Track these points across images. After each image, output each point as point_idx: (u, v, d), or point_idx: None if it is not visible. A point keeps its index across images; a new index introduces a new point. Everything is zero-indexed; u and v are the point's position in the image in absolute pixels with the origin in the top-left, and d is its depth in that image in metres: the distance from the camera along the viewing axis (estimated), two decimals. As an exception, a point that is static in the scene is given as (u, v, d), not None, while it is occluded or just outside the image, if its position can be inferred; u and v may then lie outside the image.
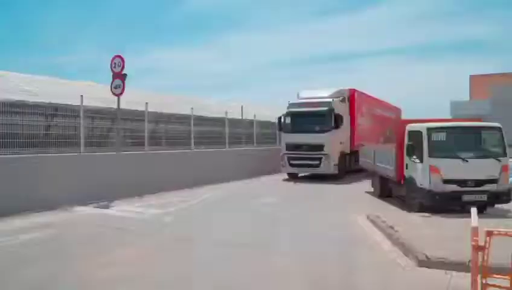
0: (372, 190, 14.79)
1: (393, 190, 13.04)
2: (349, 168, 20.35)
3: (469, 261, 5.28)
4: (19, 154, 11.22)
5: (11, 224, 9.49)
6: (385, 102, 27.56)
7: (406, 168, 11.22)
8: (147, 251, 7.39)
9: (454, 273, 5.98)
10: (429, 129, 10.36)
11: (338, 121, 18.82)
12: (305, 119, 19.30)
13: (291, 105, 20.18)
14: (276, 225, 9.76)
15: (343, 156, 19.79)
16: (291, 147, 19.48)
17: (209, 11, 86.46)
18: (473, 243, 4.57)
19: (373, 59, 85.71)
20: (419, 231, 7.97)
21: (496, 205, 10.46)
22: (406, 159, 11.15)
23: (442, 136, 10.49)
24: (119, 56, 14.10)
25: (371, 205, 12.26)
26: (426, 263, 6.28)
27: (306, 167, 19.42)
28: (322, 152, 18.72)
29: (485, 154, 10.28)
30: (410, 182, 10.93)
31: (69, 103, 13.01)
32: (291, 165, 19.59)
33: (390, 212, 10.53)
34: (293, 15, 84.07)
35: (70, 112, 13.04)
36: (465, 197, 9.83)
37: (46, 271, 6.28)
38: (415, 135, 10.75)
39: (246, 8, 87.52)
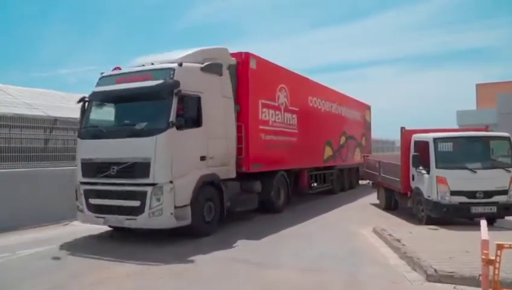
0: (377, 201, 14.60)
1: (399, 202, 12.85)
2: (236, 208, 10.73)
3: (479, 275, 5.15)
4: (17, 168, 11.19)
5: (8, 239, 9.41)
6: (340, 93, 18.62)
7: (413, 180, 11.06)
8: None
9: (463, 287, 5.83)
10: (436, 139, 10.21)
11: (188, 109, 8.91)
12: (118, 108, 9.91)
13: (102, 81, 10.03)
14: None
15: (210, 187, 9.58)
16: (90, 168, 9.27)
17: (208, 24, 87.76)
18: (483, 256, 4.54)
19: (377, 68, 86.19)
20: (427, 244, 7.81)
21: (506, 217, 10.23)
22: (412, 170, 10.99)
23: (449, 146, 10.36)
24: (119, 68, 14.06)
25: (377, 217, 12.09)
26: (435, 277, 6.14)
27: (117, 214, 8.85)
28: (145, 180, 8.61)
29: (494, 165, 10.11)
30: (417, 193, 10.75)
31: (69, 116, 13.00)
32: (91, 207, 9.18)
33: (397, 225, 10.38)
34: (291, 26, 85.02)
35: (69, 124, 13.01)
36: (474, 209, 9.63)
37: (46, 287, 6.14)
38: (422, 145, 10.60)
39: (245, 20, 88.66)
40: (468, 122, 27.65)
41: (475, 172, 9.71)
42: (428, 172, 10.18)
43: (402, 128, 11.60)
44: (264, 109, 12.01)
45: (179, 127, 8.65)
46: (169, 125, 8.55)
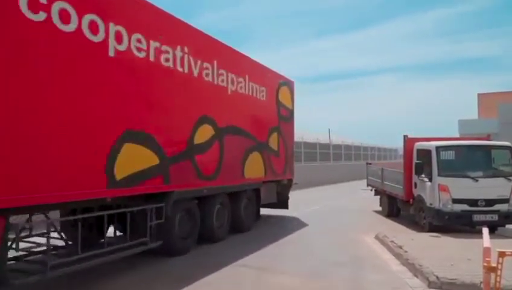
0: (380, 209, 14.66)
1: (401, 209, 12.91)
2: None
3: (481, 282, 5.23)
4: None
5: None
6: (204, 34, 9.11)
7: (415, 187, 11.14)
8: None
9: (465, 295, 5.86)
10: (438, 148, 10.31)
11: None
12: None
13: None
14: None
15: None
16: None
17: (214, 32, 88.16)
18: (485, 263, 4.54)
19: (380, 76, 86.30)
20: (429, 251, 7.87)
21: (507, 226, 10.30)
22: (415, 178, 11.06)
23: (451, 154, 10.47)
24: None
25: (379, 224, 12.14)
26: (437, 284, 6.18)
27: None
28: None
29: (495, 174, 10.20)
30: (419, 201, 10.83)
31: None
32: None
33: (399, 232, 10.42)
34: (296, 35, 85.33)
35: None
36: (476, 217, 9.72)
37: None
38: (424, 154, 10.70)
39: (250, 28, 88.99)
40: (469, 131, 27.75)
41: (477, 180, 9.81)
42: (430, 180, 10.27)
43: (405, 136, 11.70)
44: None
45: None
46: None
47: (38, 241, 6.37)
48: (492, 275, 4.61)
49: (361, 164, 23.08)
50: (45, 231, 5.87)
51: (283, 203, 13.46)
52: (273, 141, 12.21)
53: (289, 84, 13.57)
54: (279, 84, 12.80)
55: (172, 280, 6.68)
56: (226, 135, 9.64)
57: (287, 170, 13.23)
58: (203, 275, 6.82)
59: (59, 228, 6.99)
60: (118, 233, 7.81)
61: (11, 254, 5.69)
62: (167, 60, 7.70)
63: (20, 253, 5.96)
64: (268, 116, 12.06)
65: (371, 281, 6.63)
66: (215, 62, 9.25)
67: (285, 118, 13.14)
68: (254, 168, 10.98)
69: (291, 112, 13.66)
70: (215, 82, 9.30)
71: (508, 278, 5.48)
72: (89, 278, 6.63)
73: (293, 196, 21.11)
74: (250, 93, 10.95)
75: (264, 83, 11.68)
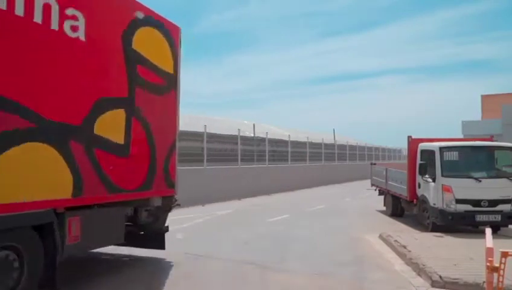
0: (384, 208, 14.72)
1: (405, 209, 12.97)
2: None
3: (483, 282, 5.29)
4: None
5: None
6: None
7: (419, 187, 11.20)
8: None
9: (468, 294, 5.90)
10: (442, 148, 10.36)
11: None
12: None
13: None
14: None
15: None
16: None
17: (218, 33, 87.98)
18: (488, 263, 4.58)
19: (383, 79, 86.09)
20: (432, 250, 7.93)
21: (510, 226, 10.35)
22: (419, 178, 11.12)
23: (455, 155, 10.51)
24: None
25: (383, 223, 12.19)
26: (440, 283, 6.23)
27: None
28: None
29: (498, 174, 10.25)
30: (423, 201, 10.90)
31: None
32: None
33: (403, 232, 10.47)
34: (301, 36, 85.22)
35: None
36: (479, 217, 9.78)
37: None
38: (428, 154, 10.76)
39: (255, 30, 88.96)
40: (473, 132, 27.65)
41: (480, 181, 9.86)
42: (434, 180, 10.33)
43: (409, 137, 11.75)
44: None
45: None
46: None
47: None
48: (495, 275, 4.63)
49: (366, 164, 23.15)
50: None
51: (153, 241, 7.56)
52: (111, 126, 6.05)
53: (165, 29, 7.26)
54: (135, 21, 6.47)
55: None
56: None
57: (153, 181, 6.98)
58: None
59: None
60: None
61: None
62: None
63: None
64: (91, 74, 5.71)
65: (375, 280, 6.68)
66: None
67: (154, 86, 6.94)
68: (25, 180, 4.68)
69: (171, 79, 7.43)
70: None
71: (510, 278, 5.50)
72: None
73: (295, 195, 21.21)
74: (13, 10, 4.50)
75: (79, 4, 5.37)
